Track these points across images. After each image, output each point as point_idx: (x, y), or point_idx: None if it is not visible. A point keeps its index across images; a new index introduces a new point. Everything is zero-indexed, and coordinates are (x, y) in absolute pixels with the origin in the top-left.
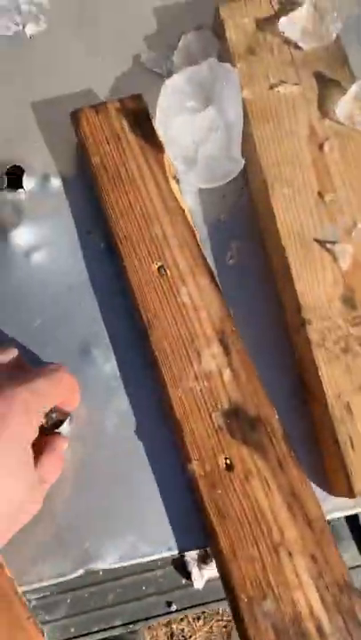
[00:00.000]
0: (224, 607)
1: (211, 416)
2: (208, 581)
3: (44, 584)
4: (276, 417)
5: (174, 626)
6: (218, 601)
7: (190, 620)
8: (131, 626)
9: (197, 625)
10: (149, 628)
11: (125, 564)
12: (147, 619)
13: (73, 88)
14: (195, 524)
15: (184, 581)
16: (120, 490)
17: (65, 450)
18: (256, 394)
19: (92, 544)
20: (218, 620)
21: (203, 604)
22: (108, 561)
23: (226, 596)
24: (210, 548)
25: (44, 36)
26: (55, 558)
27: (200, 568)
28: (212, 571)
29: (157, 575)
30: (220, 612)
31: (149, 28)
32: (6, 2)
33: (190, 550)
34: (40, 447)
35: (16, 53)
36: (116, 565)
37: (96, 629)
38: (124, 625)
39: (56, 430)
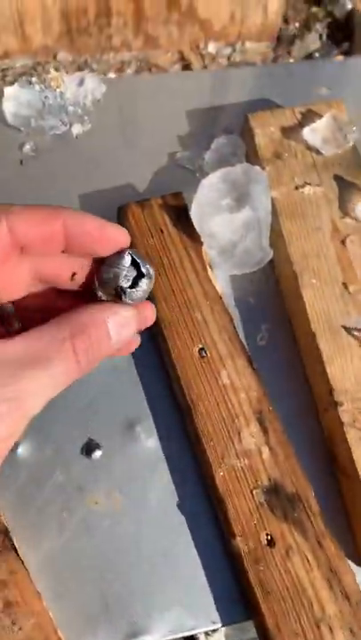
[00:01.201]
0: None
1: (252, 493)
2: None
3: None
4: (313, 494)
5: None
6: None
7: None
8: None
9: None
10: None
11: (172, 637)
12: None
13: (114, 182)
14: (237, 596)
15: None
16: (165, 563)
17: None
18: (294, 471)
19: (140, 618)
20: None
21: None
22: (156, 635)
23: None
24: (254, 622)
25: (89, 135)
26: (105, 632)
27: (207, 635)
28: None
29: None
30: None
31: (183, 130)
32: (56, 104)
33: (234, 624)
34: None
35: (64, 151)
36: (165, 639)
37: None
38: None
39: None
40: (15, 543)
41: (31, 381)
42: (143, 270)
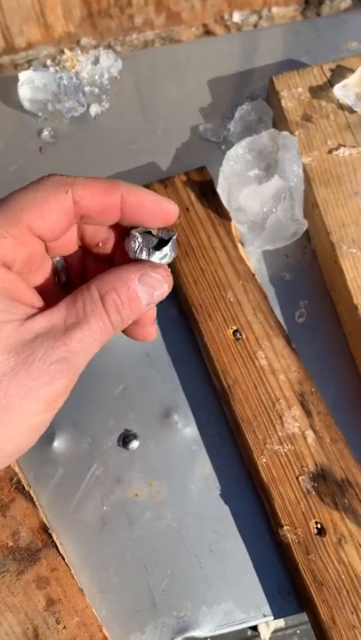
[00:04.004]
0: None
1: (298, 480)
2: (274, 632)
3: None
4: None
5: None
6: None
7: None
8: None
9: None
10: None
11: (223, 631)
12: None
13: (137, 162)
14: (288, 588)
15: (250, 632)
16: (211, 556)
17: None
18: (342, 455)
19: (189, 612)
20: None
21: None
22: (206, 629)
23: None
24: (307, 614)
25: (108, 115)
26: (153, 628)
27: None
28: (278, 621)
29: None
30: None
31: (205, 101)
32: (72, 85)
33: (286, 616)
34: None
35: (83, 134)
36: (214, 633)
37: None
38: None
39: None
40: (55, 539)
41: (77, 343)
42: (163, 236)
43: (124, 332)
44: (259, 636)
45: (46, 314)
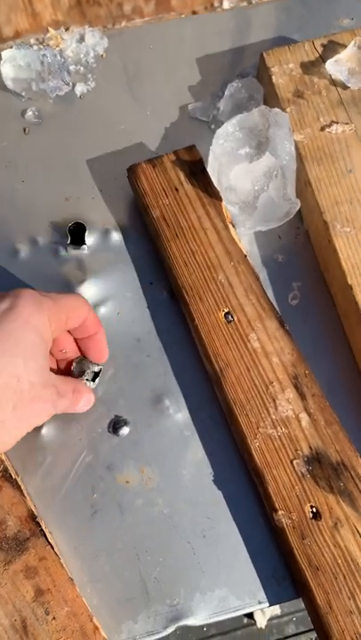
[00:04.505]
0: None
1: (292, 463)
2: (270, 619)
3: None
4: (360, 461)
5: None
6: None
7: None
8: None
9: None
10: None
11: (217, 619)
12: None
13: (125, 142)
14: (283, 573)
15: (246, 620)
16: (205, 542)
17: (85, 404)
18: (337, 438)
19: (182, 600)
20: None
21: None
22: (200, 617)
23: None
24: (303, 600)
25: (94, 94)
26: (146, 616)
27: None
28: (273, 609)
29: None
30: None
31: (194, 79)
32: (56, 63)
33: (282, 602)
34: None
35: (69, 114)
36: (208, 621)
37: None
38: None
39: (85, 378)
40: (44, 528)
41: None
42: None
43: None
44: (255, 623)
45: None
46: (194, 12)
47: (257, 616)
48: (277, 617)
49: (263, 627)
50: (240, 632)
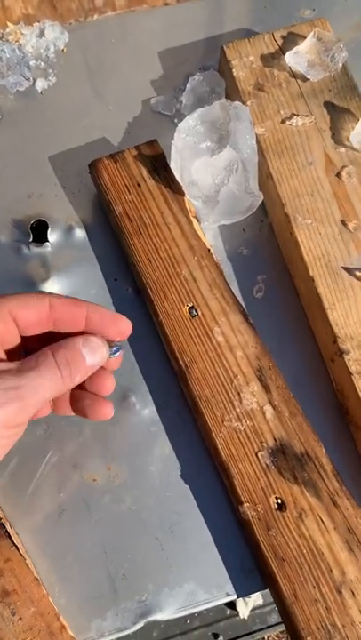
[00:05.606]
0: (270, 635)
1: (257, 456)
2: (253, 610)
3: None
4: (324, 451)
5: None
6: (264, 629)
7: None
8: None
9: None
10: None
11: (185, 613)
12: None
13: (87, 138)
14: (250, 566)
15: (229, 612)
16: (172, 537)
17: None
18: (301, 429)
19: (150, 596)
20: None
21: (249, 634)
22: (168, 612)
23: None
24: (270, 591)
25: (55, 90)
26: (114, 614)
27: (244, 597)
28: (255, 599)
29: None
30: None
31: (156, 73)
32: (15, 58)
33: (250, 594)
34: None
35: (30, 110)
36: (177, 615)
37: None
38: None
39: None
40: (9, 530)
41: (28, 380)
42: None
43: (83, 414)
44: (238, 614)
45: (5, 362)
46: (166, 5)
47: (239, 607)
48: (260, 607)
49: (246, 617)
50: (223, 623)
